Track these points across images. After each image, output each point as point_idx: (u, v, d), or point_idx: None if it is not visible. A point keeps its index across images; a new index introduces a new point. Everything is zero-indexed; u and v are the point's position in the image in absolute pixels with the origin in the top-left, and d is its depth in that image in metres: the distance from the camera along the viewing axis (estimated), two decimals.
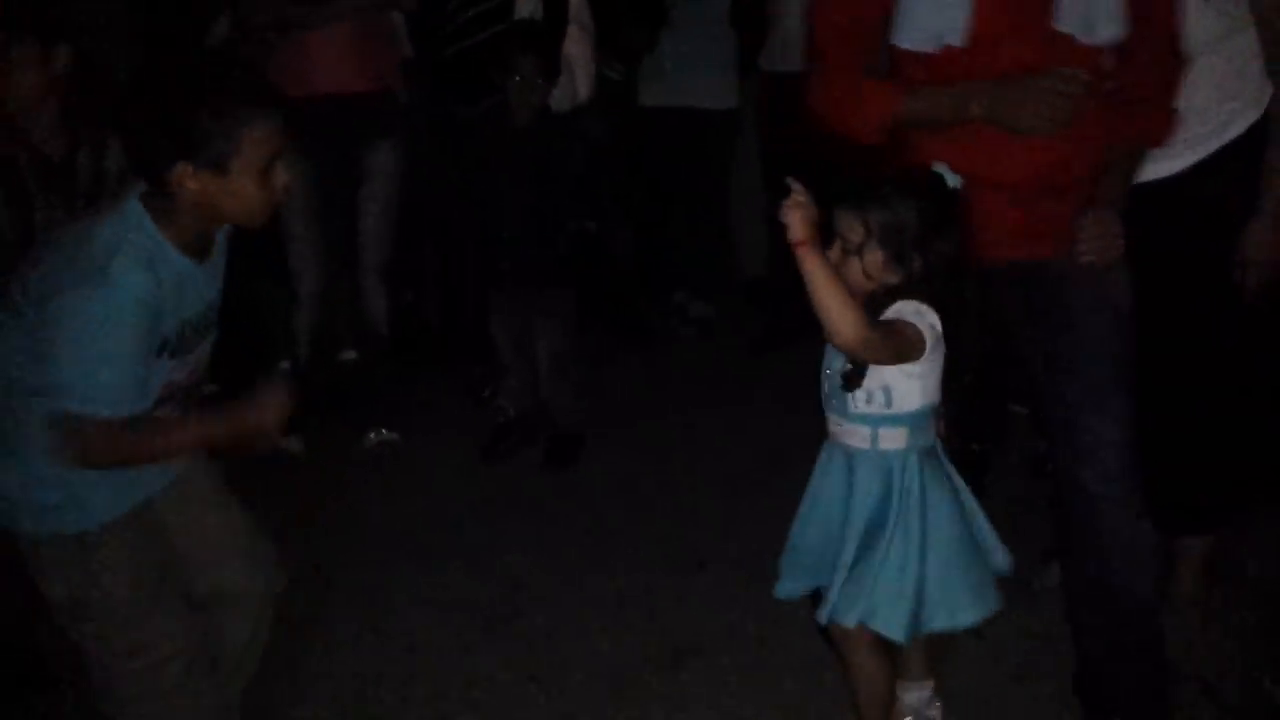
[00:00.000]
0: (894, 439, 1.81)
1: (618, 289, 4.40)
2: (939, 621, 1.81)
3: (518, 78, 3.03)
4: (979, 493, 3.13)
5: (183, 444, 1.71)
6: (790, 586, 1.97)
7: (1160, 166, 2.05)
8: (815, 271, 1.64)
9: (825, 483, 1.91)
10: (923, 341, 1.72)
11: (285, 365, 3.63)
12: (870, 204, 1.73)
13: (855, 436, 1.83)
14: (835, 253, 1.75)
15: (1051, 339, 1.92)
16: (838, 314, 1.64)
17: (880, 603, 1.79)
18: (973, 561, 1.85)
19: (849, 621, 1.82)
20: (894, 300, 1.74)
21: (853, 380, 1.78)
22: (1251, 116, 2.07)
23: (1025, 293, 1.94)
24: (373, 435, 3.43)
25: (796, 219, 1.63)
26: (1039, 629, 2.37)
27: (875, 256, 1.74)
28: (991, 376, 3.14)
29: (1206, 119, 2.04)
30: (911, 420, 1.81)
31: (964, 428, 3.15)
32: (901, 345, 1.72)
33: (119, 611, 1.70)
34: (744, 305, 4.57)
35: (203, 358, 1.77)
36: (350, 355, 3.70)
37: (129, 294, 1.53)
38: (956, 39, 1.77)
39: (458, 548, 2.88)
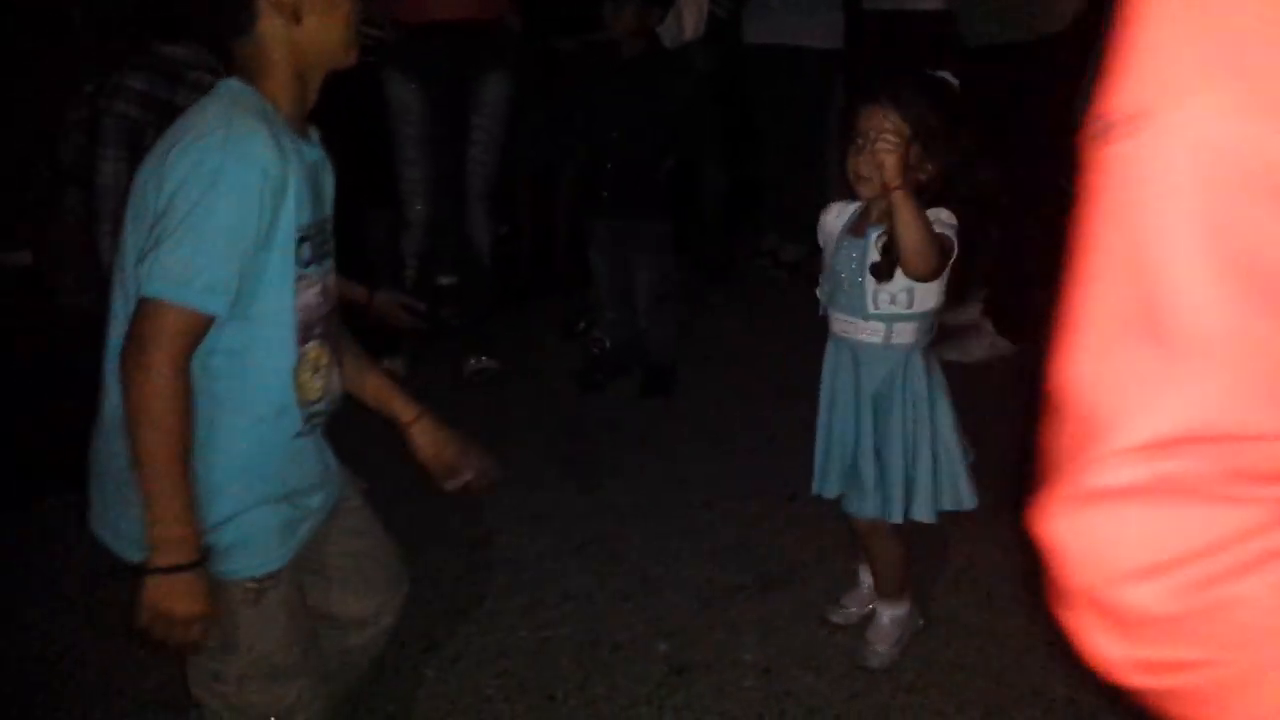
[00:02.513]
0: (905, 334, 1.98)
1: (711, 227, 4.42)
2: (946, 503, 2.01)
3: (629, 4, 3.06)
4: None
5: (161, 496, 1.28)
6: (829, 485, 2.12)
7: None
8: (910, 213, 1.79)
9: (837, 382, 2.07)
10: (954, 250, 1.88)
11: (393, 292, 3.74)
12: (904, 102, 1.88)
13: (869, 332, 1.99)
14: (875, 135, 1.86)
15: None
16: (925, 249, 1.81)
17: (915, 493, 1.99)
18: (964, 450, 2.03)
19: (898, 518, 2.00)
20: (926, 200, 1.87)
21: (884, 271, 1.91)
22: None
23: None
24: (473, 361, 3.52)
25: (891, 163, 1.77)
26: None
27: (914, 152, 1.87)
28: None
29: None
30: (922, 317, 1.97)
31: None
32: (947, 263, 1.88)
33: (265, 671, 1.45)
34: None
35: (330, 284, 1.50)
36: (451, 280, 3.77)
37: (255, 156, 1.29)
38: None
39: (554, 470, 2.97)
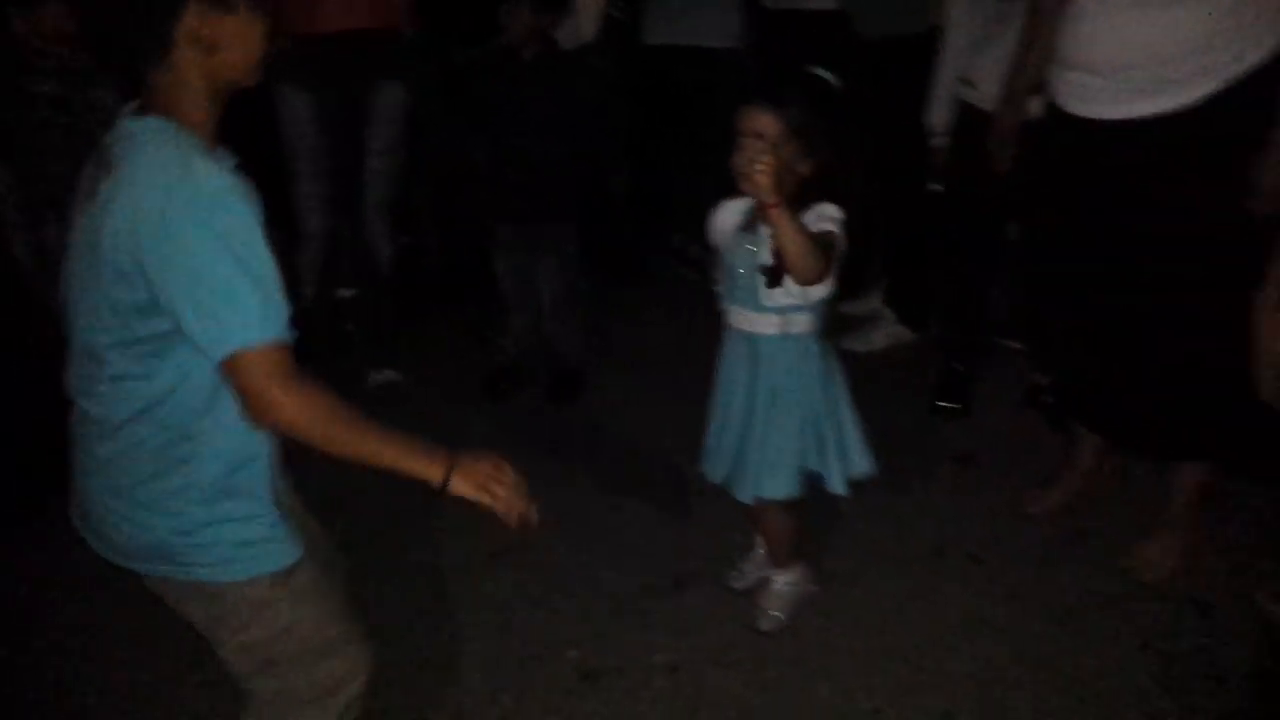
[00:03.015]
0: (801, 324, 2.03)
1: (617, 228, 4.41)
2: (854, 467, 2.10)
3: (524, 6, 3.03)
4: (966, 410, 3.26)
5: (388, 456, 1.50)
6: (715, 470, 2.18)
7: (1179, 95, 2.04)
8: (787, 228, 1.81)
9: (734, 373, 2.12)
10: (840, 243, 1.93)
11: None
12: (783, 103, 1.91)
13: (766, 324, 2.03)
14: (750, 149, 1.88)
15: None
16: (807, 259, 1.84)
17: (828, 469, 2.08)
18: (858, 421, 2.12)
19: (794, 493, 2.08)
20: (810, 196, 1.92)
21: (776, 275, 1.96)
22: (1269, 45, 2.04)
23: None
24: (375, 375, 3.46)
25: (764, 183, 1.77)
26: (1039, 554, 2.43)
27: (791, 150, 1.90)
28: (974, 301, 3.18)
29: (1222, 49, 2.00)
30: (815, 308, 2.03)
31: (947, 348, 3.21)
32: (833, 259, 1.91)
33: (313, 649, 1.55)
34: None
35: None
36: (349, 293, 3.71)
37: (227, 186, 1.31)
38: None
39: None
